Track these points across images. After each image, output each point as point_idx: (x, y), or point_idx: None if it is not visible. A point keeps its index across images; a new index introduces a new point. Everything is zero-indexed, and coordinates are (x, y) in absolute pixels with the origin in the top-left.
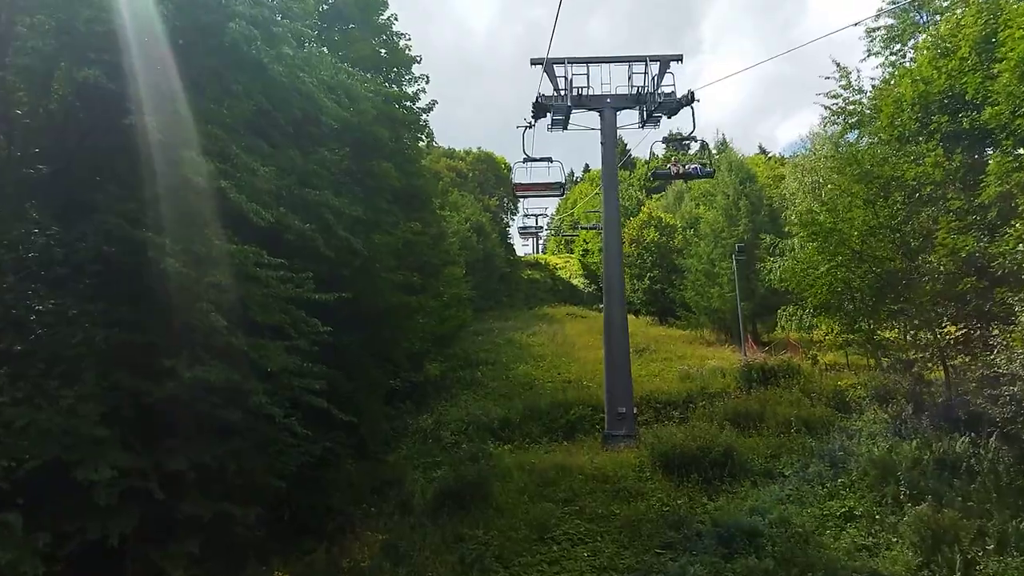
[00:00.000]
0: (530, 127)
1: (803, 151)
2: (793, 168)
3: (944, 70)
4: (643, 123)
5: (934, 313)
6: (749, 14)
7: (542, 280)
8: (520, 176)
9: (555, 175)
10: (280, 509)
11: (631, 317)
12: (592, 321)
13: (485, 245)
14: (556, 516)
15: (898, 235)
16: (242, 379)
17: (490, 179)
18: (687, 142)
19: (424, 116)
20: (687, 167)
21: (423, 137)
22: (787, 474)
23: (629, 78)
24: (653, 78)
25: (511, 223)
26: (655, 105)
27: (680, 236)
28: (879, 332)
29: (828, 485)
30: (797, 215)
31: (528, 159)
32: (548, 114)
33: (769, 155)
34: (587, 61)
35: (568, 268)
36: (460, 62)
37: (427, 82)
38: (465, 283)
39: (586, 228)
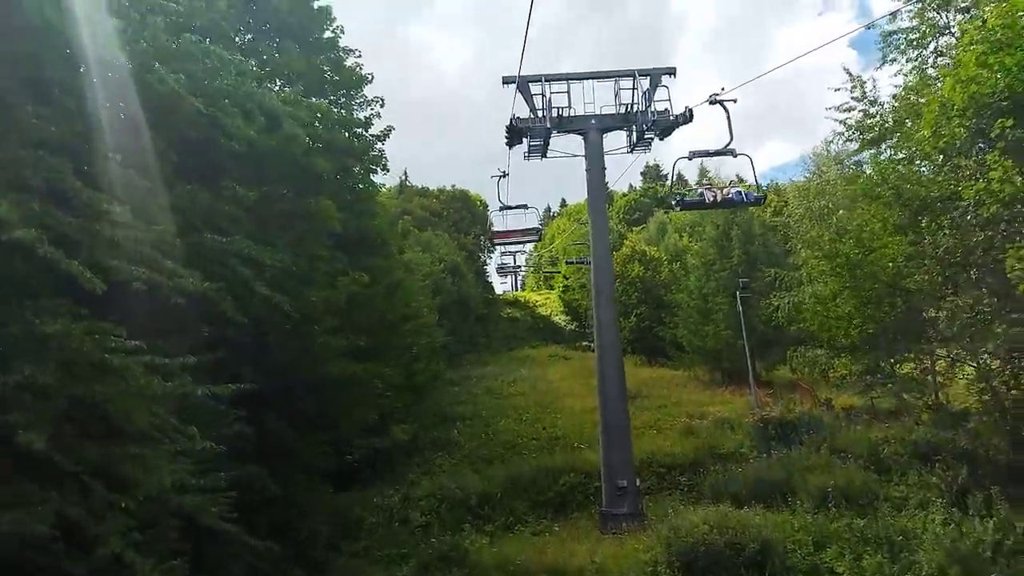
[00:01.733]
0: (504, 176)
1: (804, 175)
2: (797, 193)
3: (1004, 66)
4: (633, 146)
5: (1005, 357)
6: (713, 53)
7: (522, 319)
8: (498, 224)
9: (531, 221)
10: None
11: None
12: (576, 362)
13: (460, 286)
14: None
15: (946, 265)
16: (88, 515)
17: (466, 217)
18: (725, 154)
19: (379, 145)
20: (727, 192)
21: (377, 169)
22: (840, 572)
23: (616, 95)
24: (644, 93)
25: (489, 260)
26: (648, 124)
27: (666, 270)
28: (908, 372)
29: None
30: (810, 245)
31: (504, 207)
32: (524, 139)
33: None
34: (567, 78)
35: (548, 305)
36: (434, 103)
37: (382, 105)
38: (438, 330)
39: (570, 263)
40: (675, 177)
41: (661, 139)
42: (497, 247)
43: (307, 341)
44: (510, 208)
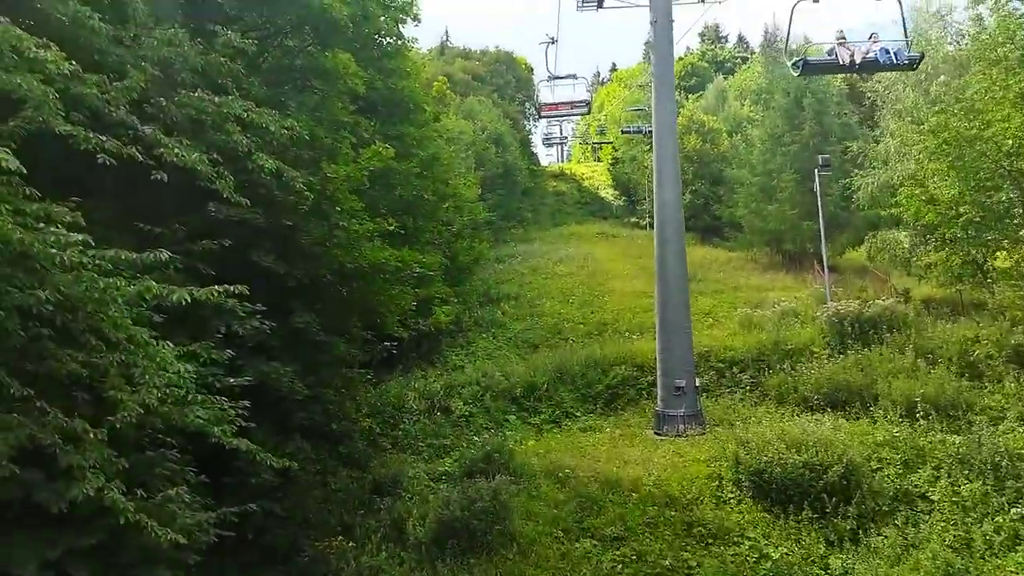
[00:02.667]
0: (553, 42)
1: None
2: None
3: None
4: None
5: None
6: None
7: (568, 192)
8: (545, 95)
9: (580, 92)
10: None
11: None
12: (625, 242)
13: (505, 158)
14: (604, 567)
15: None
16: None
17: (510, 82)
18: None
19: None
20: (867, 51)
21: (407, 19)
22: (935, 500)
23: None
24: None
25: (535, 129)
26: None
27: (726, 142)
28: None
29: (1003, 518)
30: (903, 115)
31: (552, 77)
32: None
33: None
34: None
35: (595, 178)
36: None
37: None
38: (481, 205)
39: (626, 132)
40: (788, 31)
41: None
42: (543, 117)
43: (330, 224)
44: (559, 78)
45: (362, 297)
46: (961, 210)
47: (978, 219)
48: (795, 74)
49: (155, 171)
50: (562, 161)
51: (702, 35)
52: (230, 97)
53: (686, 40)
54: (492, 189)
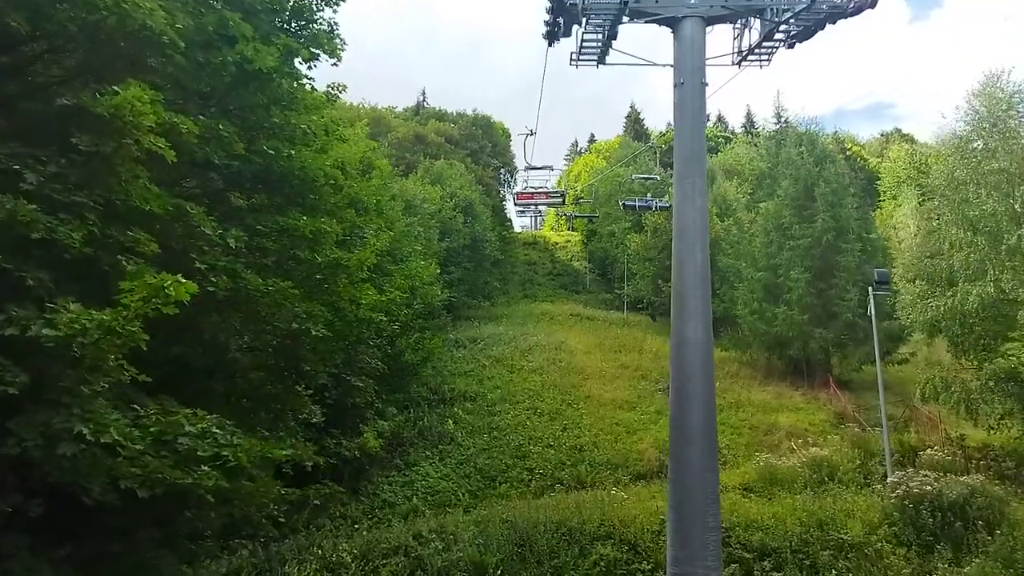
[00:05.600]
0: (531, 134)
1: (955, 122)
2: (948, 150)
3: None
4: (748, 52)
5: None
6: None
7: (541, 262)
8: (521, 184)
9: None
10: None
11: (646, 320)
12: (601, 328)
13: (473, 227)
14: None
15: None
16: None
17: (486, 146)
18: None
19: (326, 12)
20: None
21: (319, 53)
22: None
23: None
24: None
25: (508, 194)
26: (794, 10)
27: (717, 224)
28: None
29: None
30: (975, 224)
31: (529, 167)
32: (576, 26)
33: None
34: None
35: (569, 248)
36: (467, 30)
37: None
38: (442, 283)
39: (629, 207)
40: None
41: (799, 41)
42: (518, 179)
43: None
44: (535, 168)
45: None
46: None
47: None
48: None
49: None
50: (536, 228)
51: None
52: None
53: (667, 116)
54: (457, 262)
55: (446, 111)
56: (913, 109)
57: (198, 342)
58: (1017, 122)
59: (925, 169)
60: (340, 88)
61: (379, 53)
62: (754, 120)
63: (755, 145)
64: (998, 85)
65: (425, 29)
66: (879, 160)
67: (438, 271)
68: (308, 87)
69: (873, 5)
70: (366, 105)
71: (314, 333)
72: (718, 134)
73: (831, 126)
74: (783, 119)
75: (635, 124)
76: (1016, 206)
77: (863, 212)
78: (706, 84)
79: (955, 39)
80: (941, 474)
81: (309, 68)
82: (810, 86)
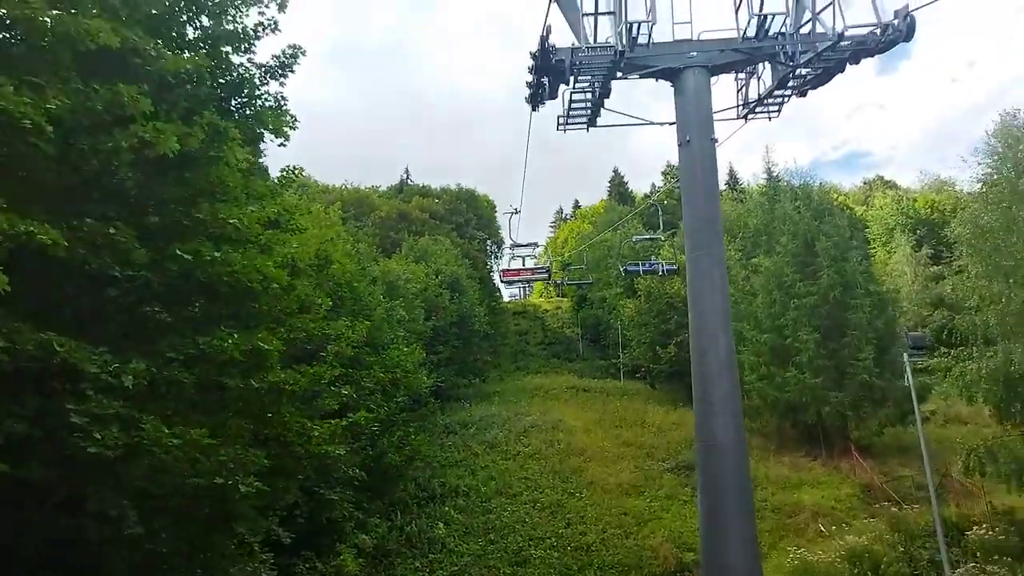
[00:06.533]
0: (515, 213)
1: (979, 164)
2: (977, 197)
3: None
4: (757, 102)
5: None
6: None
7: (532, 331)
8: (507, 260)
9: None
10: None
11: (645, 388)
12: (600, 400)
13: (461, 303)
14: None
15: None
16: None
17: (471, 220)
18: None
19: (272, 85)
20: None
21: (266, 126)
22: None
23: (738, 7)
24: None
25: (495, 266)
26: (811, 52)
27: None
28: None
29: None
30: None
31: (515, 245)
32: (563, 85)
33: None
34: None
35: (559, 316)
36: (454, 108)
37: (280, 3)
38: (428, 366)
39: (632, 271)
40: None
41: (814, 87)
42: (504, 249)
43: None
44: (520, 246)
45: None
46: None
47: None
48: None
49: None
50: (525, 296)
51: (665, 173)
52: None
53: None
54: (445, 341)
55: (430, 187)
56: (888, 156)
57: (86, 515)
58: None
59: (914, 214)
60: (296, 171)
61: (368, 135)
62: (737, 176)
63: (742, 201)
64: (1016, 123)
65: (412, 109)
66: (864, 208)
67: (423, 355)
68: (266, 170)
69: (908, 38)
70: (349, 187)
71: (243, 490)
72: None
73: (811, 178)
74: (774, 174)
75: (619, 187)
76: None
77: (866, 264)
78: (715, 141)
79: (924, 88)
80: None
81: (254, 149)
82: (784, 140)
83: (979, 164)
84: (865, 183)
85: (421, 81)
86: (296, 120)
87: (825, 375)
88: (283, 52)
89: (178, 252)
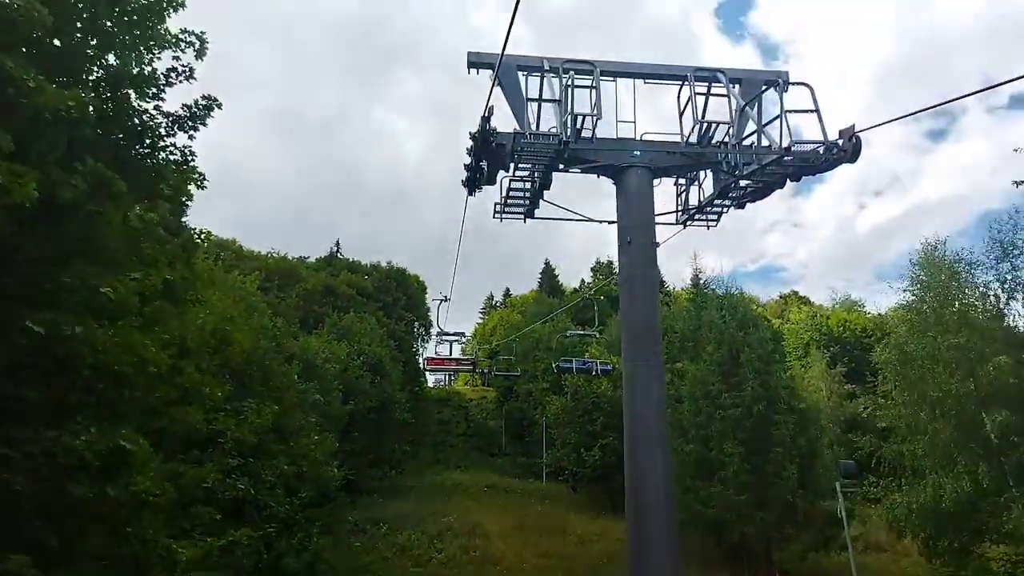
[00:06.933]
0: (445, 300)
1: (905, 289)
2: (901, 321)
3: None
4: (696, 210)
5: None
6: None
7: (454, 421)
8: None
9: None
10: None
11: (567, 492)
12: (520, 503)
13: (382, 387)
14: None
15: None
16: None
17: (400, 299)
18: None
19: (180, 137)
20: None
21: (167, 179)
22: None
23: (682, 111)
24: (740, 109)
25: (422, 350)
26: (755, 162)
27: None
28: None
29: None
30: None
31: (441, 333)
32: (502, 172)
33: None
34: (588, 70)
35: (484, 406)
36: (392, 186)
37: (198, 53)
38: (336, 459)
39: (565, 368)
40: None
41: (753, 200)
42: (432, 344)
43: None
44: (447, 335)
45: None
46: None
47: None
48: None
49: None
50: (450, 382)
51: (594, 269)
52: None
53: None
54: (363, 427)
55: (360, 262)
56: (800, 272)
57: None
58: (964, 292)
59: (828, 331)
60: (203, 235)
61: (304, 206)
62: (663, 279)
63: (668, 304)
64: (936, 254)
65: (352, 183)
66: (781, 321)
67: (336, 445)
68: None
69: (853, 159)
70: (276, 255)
71: None
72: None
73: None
74: (701, 281)
75: (550, 280)
76: (981, 387)
77: (788, 380)
78: (657, 244)
79: (835, 211)
80: None
81: (174, 208)
82: (704, 248)
83: (904, 291)
84: (781, 297)
85: (363, 156)
86: (204, 178)
87: (749, 492)
88: (195, 102)
89: (28, 324)
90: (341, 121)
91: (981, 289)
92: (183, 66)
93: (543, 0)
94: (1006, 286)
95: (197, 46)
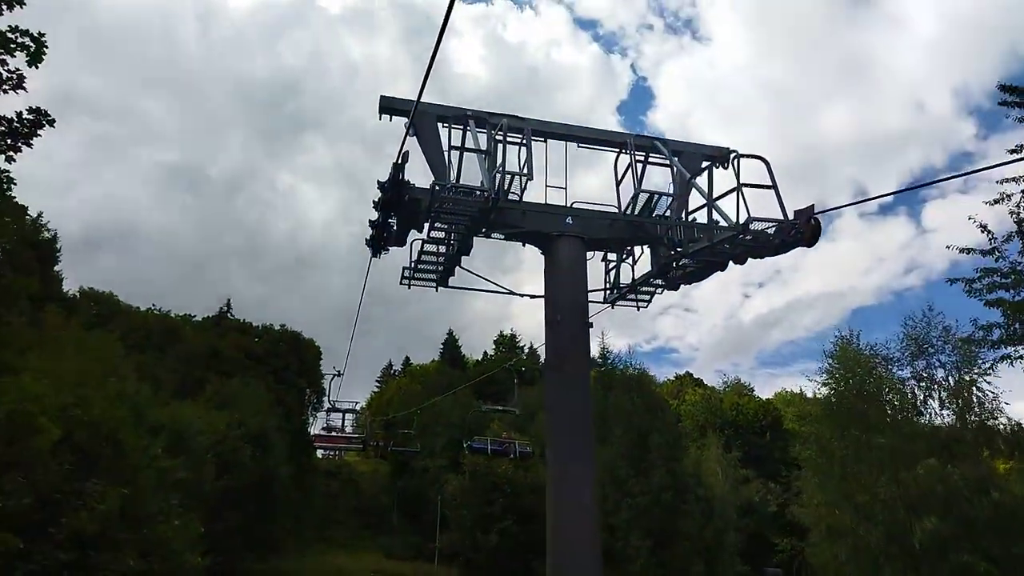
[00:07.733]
0: (338, 375)
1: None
2: (822, 412)
3: None
4: (627, 289)
5: None
6: None
7: (343, 496)
8: (324, 421)
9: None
10: None
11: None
12: None
13: (265, 460)
14: None
15: None
16: None
17: (292, 364)
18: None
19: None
20: None
21: None
22: None
23: (619, 180)
24: (686, 181)
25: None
26: (720, 243)
27: (542, 469)
28: None
29: None
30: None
31: (331, 408)
32: (415, 228)
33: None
34: (518, 127)
35: (376, 480)
36: (295, 252)
37: (33, 53)
38: (200, 545)
39: (477, 450)
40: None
41: (688, 283)
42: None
43: None
44: (337, 410)
45: None
46: None
47: None
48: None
49: None
50: (340, 455)
51: (497, 342)
52: None
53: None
54: (239, 506)
55: (251, 324)
56: (691, 355)
57: None
58: (884, 389)
59: (722, 414)
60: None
61: (196, 263)
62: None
63: None
64: (851, 347)
65: (253, 245)
66: (677, 402)
67: (201, 530)
68: None
69: (811, 243)
70: (157, 311)
71: None
72: (534, 365)
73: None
74: (609, 360)
75: (452, 350)
76: (910, 491)
77: (694, 468)
78: (590, 324)
79: (722, 299)
80: None
81: None
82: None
83: (823, 385)
84: (677, 377)
85: (267, 220)
86: (26, 210)
87: None
88: (18, 115)
89: None
90: (246, 182)
91: (899, 386)
92: (10, 72)
93: (455, 82)
94: (922, 384)
95: (32, 49)
